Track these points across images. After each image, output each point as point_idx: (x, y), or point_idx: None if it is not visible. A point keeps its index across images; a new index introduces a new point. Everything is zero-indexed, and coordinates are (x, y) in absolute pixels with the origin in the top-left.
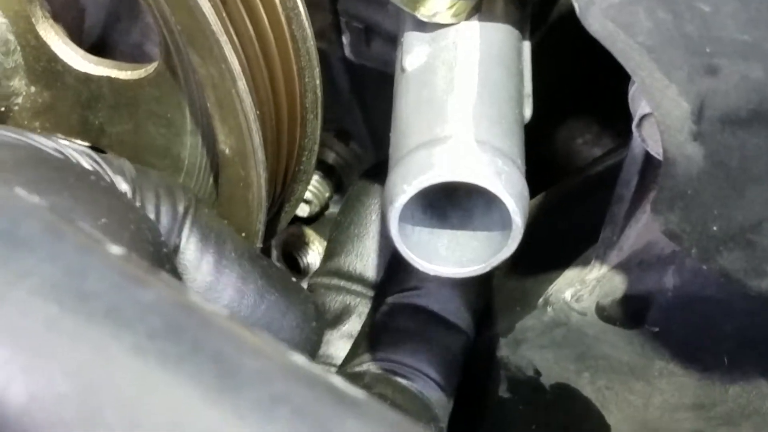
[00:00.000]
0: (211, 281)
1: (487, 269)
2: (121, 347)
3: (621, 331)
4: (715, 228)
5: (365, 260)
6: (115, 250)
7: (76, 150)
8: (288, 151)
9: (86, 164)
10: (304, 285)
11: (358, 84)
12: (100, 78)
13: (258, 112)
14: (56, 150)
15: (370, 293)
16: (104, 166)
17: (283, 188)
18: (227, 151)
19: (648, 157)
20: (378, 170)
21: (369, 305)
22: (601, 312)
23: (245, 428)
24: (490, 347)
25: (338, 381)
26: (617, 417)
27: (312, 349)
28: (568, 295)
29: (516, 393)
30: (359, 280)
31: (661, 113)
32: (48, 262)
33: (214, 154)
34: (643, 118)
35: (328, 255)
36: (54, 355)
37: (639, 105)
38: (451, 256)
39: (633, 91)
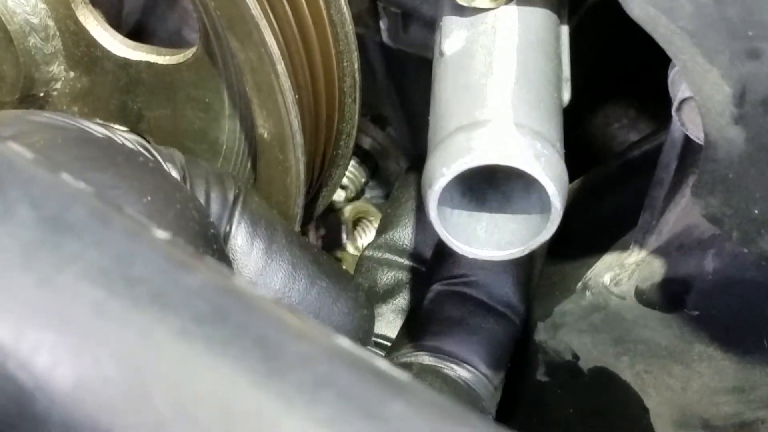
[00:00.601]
0: (263, 267)
1: (526, 252)
2: (167, 331)
3: (660, 315)
4: (756, 211)
5: (420, 235)
6: (161, 234)
7: (125, 135)
8: (326, 135)
9: (133, 146)
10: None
11: (395, 69)
12: (138, 63)
13: (296, 96)
14: (104, 134)
15: (423, 268)
16: (154, 152)
17: (320, 172)
18: (266, 135)
19: (687, 142)
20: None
21: (420, 281)
22: (640, 296)
23: (291, 411)
24: (529, 331)
25: (383, 364)
26: (656, 401)
27: (364, 336)
28: (607, 279)
29: (554, 377)
30: (413, 255)
31: (703, 97)
32: (94, 248)
33: (253, 138)
34: (683, 102)
35: (382, 228)
36: (101, 339)
37: (679, 89)
38: (489, 238)
39: (673, 74)
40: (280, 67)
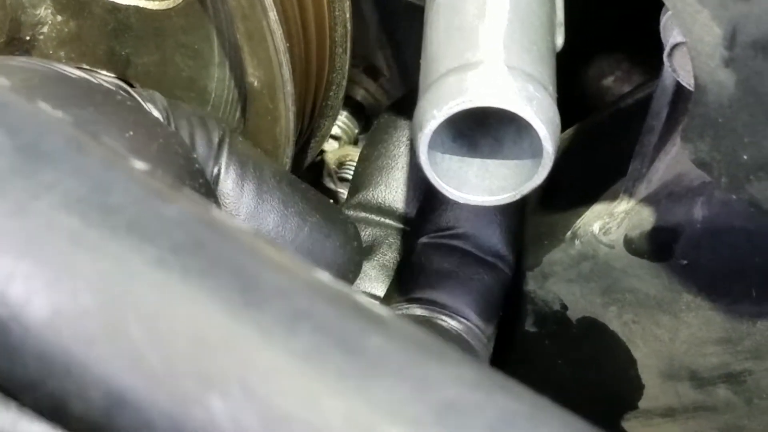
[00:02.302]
0: (254, 208)
1: (517, 197)
2: (144, 261)
3: (649, 264)
4: (745, 156)
5: (394, 192)
6: (139, 165)
7: (104, 79)
8: (316, 84)
9: (112, 87)
10: None
11: (387, 19)
12: (127, 7)
13: (288, 45)
14: (82, 76)
15: (400, 226)
16: (133, 93)
17: (310, 122)
18: (256, 83)
19: (679, 88)
20: (405, 102)
21: (399, 237)
22: (629, 245)
23: (267, 343)
24: (517, 281)
25: (363, 298)
26: (643, 351)
27: (355, 268)
28: (596, 228)
29: (542, 327)
30: (388, 212)
31: (693, 39)
32: (71, 176)
33: (242, 86)
34: (674, 47)
35: (355, 188)
36: (77, 268)
37: (671, 34)
38: (480, 183)
39: (665, 19)
40: (272, 14)
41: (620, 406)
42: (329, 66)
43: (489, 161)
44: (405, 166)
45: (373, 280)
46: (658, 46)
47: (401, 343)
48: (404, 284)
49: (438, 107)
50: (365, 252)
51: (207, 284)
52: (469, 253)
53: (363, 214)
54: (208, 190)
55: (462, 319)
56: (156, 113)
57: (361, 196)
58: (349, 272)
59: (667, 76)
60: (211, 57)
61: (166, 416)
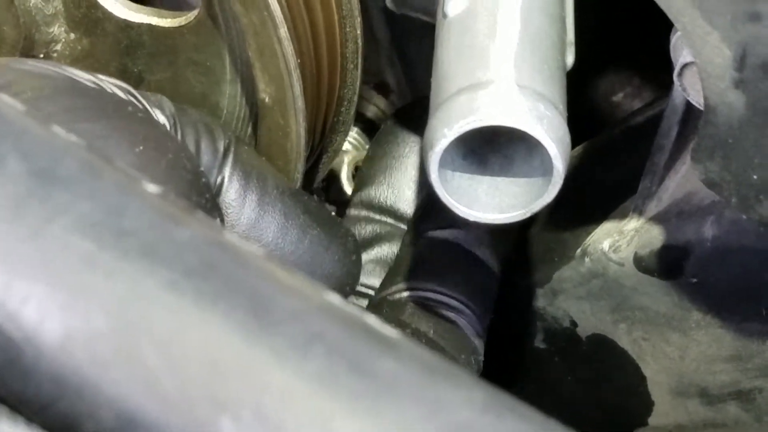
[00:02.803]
0: (255, 219)
1: (528, 215)
2: (158, 284)
3: (658, 282)
4: (755, 177)
5: (396, 192)
6: (152, 188)
7: (113, 83)
8: (327, 100)
9: (123, 96)
10: None
11: (398, 36)
12: (140, 25)
13: (299, 61)
14: (93, 82)
15: (401, 225)
16: (141, 99)
17: (321, 138)
18: (267, 99)
19: (689, 107)
20: (409, 109)
21: (398, 235)
22: (639, 263)
23: (281, 366)
24: (527, 297)
25: (373, 321)
26: (653, 368)
27: (353, 281)
28: (606, 245)
29: (552, 344)
30: (390, 211)
31: (703, 60)
32: (85, 200)
33: (253, 102)
34: (684, 67)
35: (358, 187)
36: (90, 291)
37: (681, 54)
38: (491, 201)
39: (675, 39)
40: (283, 31)
41: (630, 423)
42: (340, 82)
43: (499, 179)
44: (408, 167)
45: (370, 274)
46: (669, 61)
47: (412, 365)
48: (404, 271)
49: (449, 126)
50: (365, 246)
51: (220, 307)
52: (468, 250)
53: (364, 212)
54: (213, 204)
55: (461, 309)
56: (163, 119)
57: (363, 194)
58: (347, 285)
59: (677, 95)
60: (223, 74)
61: None
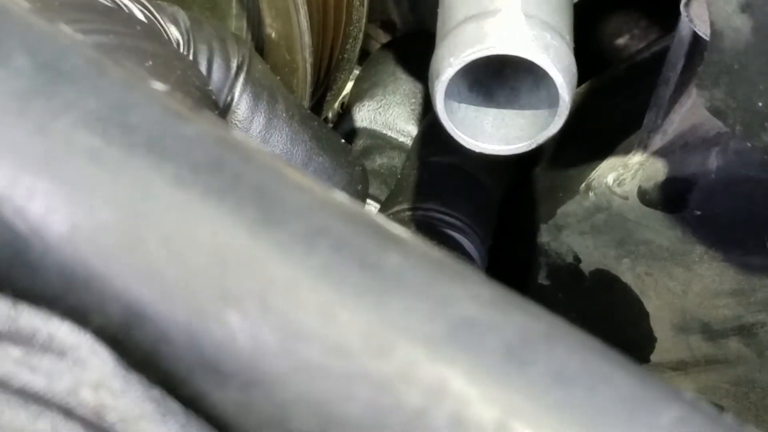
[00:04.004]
0: (261, 140)
1: (533, 146)
2: (163, 179)
3: (662, 215)
4: (760, 104)
5: (385, 106)
6: (159, 86)
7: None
8: (333, 37)
9: (137, 11)
10: None
11: None
12: None
13: None
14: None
15: (390, 134)
16: (156, 14)
17: (326, 75)
18: (273, 34)
19: (695, 39)
20: (398, 42)
21: (392, 147)
22: (643, 196)
23: (285, 259)
24: (531, 233)
25: (380, 218)
26: (656, 304)
27: None
28: (610, 179)
29: (556, 280)
30: (383, 123)
31: None
32: (91, 96)
33: (260, 37)
34: None
35: (350, 104)
36: (95, 185)
37: None
38: (496, 133)
39: None
40: None
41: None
42: (346, 19)
43: (505, 111)
44: (400, 84)
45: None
46: (676, 3)
47: (419, 261)
48: (407, 194)
49: (455, 55)
50: (357, 157)
51: (225, 202)
52: (470, 174)
53: (357, 125)
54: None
55: (464, 229)
56: (176, 35)
57: (355, 109)
58: None
59: (684, 27)
60: (229, 8)
61: (183, 331)
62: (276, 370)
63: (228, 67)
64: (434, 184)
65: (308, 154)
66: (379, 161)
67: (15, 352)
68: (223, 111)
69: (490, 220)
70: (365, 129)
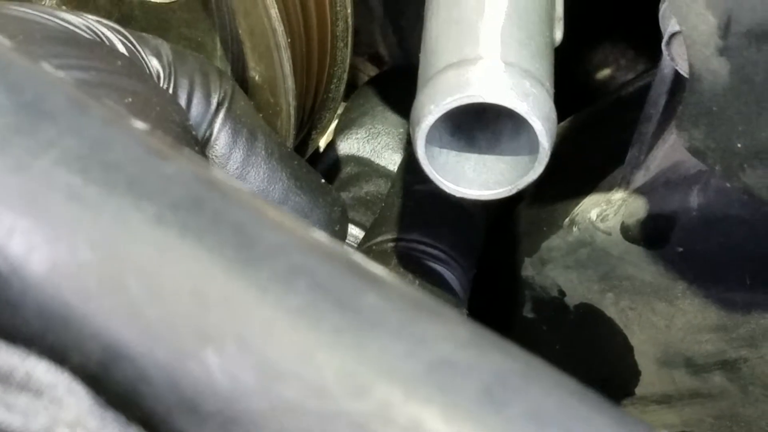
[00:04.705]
0: (238, 177)
1: (513, 192)
2: (143, 218)
3: (645, 251)
4: (739, 145)
5: (373, 136)
6: (139, 125)
7: (110, 29)
8: (317, 79)
9: (120, 45)
10: None
11: (392, 7)
12: (131, 0)
13: (289, 40)
14: (88, 29)
15: (377, 162)
16: (138, 47)
17: (311, 115)
18: (257, 77)
19: (677, 77)
20: (384, 75)
21: (377, 175)
22: (626, 232)
23: (263, 299)
24: (515, 267)
25: (359, 257)
26: (640, 338)
27: None
28: (593, 214)
29: (540, 313)
30: (369, 151)
31: (688, 28)
32: (71, 134)
33: (244, 80)
34: (672, 36)
35: (336, 133)
36: (76, 224)
37: (669, 23)
38: (477, 178)
39: (663, 8)
40: (273, 11)
41: (617, 393)
42: (330, 60)
43: (486, 156)
44: (386, 116)
45: (349, 209)
46: (660, 36)
47: (396, 301)
48: (390, 224)
49: (435, 102)
50: (343, 186)
51: (205, 241)
52: (454, 202)
53: (343, 153)
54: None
55: (446, 260)
56: (157, 67)
57: (342, 138)
58: None
59: (666, 65)
60: (214, 50)
61: (162, 370)
62: (254, 410)
63: (208, 102)
64: (418, 213)
65: (285, 193)
66: (365, 188)
67: None
68: (202, 145)
69: (473, 248)
70: (353, 156)
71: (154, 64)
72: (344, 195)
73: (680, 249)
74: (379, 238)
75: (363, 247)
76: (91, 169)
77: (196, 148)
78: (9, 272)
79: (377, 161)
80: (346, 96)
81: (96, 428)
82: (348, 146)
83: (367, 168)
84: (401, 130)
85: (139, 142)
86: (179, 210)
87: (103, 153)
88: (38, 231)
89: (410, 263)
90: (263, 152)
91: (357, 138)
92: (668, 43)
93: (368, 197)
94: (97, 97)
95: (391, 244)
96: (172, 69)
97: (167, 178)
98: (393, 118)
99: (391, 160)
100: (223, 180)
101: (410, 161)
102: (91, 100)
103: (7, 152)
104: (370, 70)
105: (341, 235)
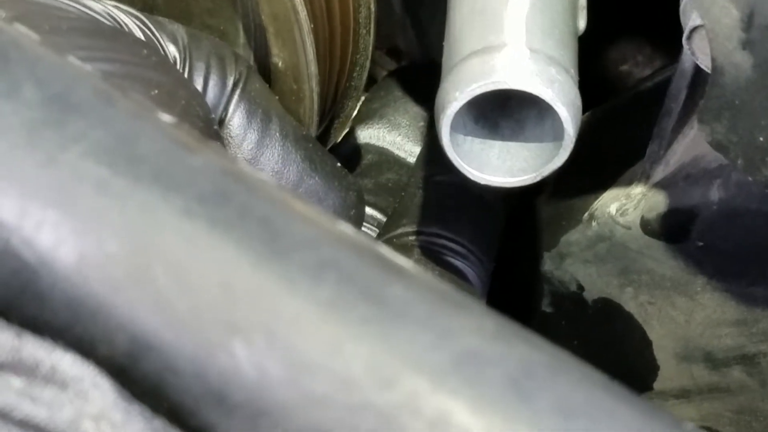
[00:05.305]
0: (251, 159)
1: (538, 179)
2: (171, 210)
3: (665, 246)
4: (761, 138)
5: (393, 124)
6: (166, 117)
7: (127, 15)
8: (340, 66)
9: (138, 32)
10: None
11: (411, 1)
12: None
13: (312, 26)
14: (108, 15)
15: (396, 151)
16: (156, 32)
17: (333, 104)
18: (280, 64)
19: (698, 71)
20: (404, 70)
21: (397, 162)
22: (646, 226)
23: (292, 291)
24: (534, 261)
25: (385, 250)
26: (659, 332)
27: None
28: (613, 209)
29: (559, 308)
30: (389, 141)
31: (711, 21)
32: (99, 127)
33: (266, 67)
34: (693, 30)
35: (356, 124)
36: (104, 216)
37: (690, 17)
38: (502, 165)
39: (684, 2)
40: None
41: (635, 388)
42: (353, 47)
43: (510, 143)
44: (406, 109)
45: (370, 193)
46: (679, 31)
47: (423, 293)
48: (411, 216)
49: (460, 89)
50: (364, 173)
51: (233, 234)
52: (475, 194)
53: (362, 142)
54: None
55: (466, 255)
56: (174, 52)
57: (362, 128)
58: None
59: (687, 59)
60: (237, 38)
61: (190, 362)
62: (282, 401)
63: (224, 84)
64: (438, 205)
65: (300, 175)
66: (387, 175)
67: (17, 382)
68: (217, 127)
69: (493, 242)
70: (373, 146)
71: (170, 49)
72: (365, 181)
73: (700, 243)
74: (400, 230)
75: (383, 238)
76: (118, 161)
77: (218, 142)
78: (38, 264)
79: (397, 152)
80: (365, 89)
81: (121, 421)
82: (368, 135)
83: (388, 156)
84: (422, 123)
85: (166, 135)
86: (206, 202)
87: (131, 145)
88: (66, 223)
89: (431, 257)
90: (278, 134)
91: (378, 128)
92: (689, 37)
93: (390, 184)
94: (124, 89)
95: (411, 238)
96: (188, 53)
97: (194, 171)
98: (414, 110)
99: (412, 152)
100: (250, 173)
101: (430, 152)
102: (118, 92)
103: (35, 145)
104: (389, 64)
105: (357, 219)
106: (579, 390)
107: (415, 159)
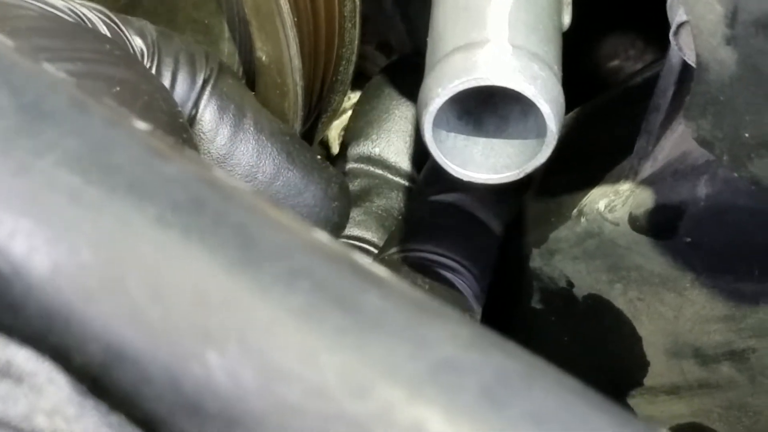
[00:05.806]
0: (225, 153)
1: (521, 176)
2: (144, 219)
3: (653, 242)
4: (746, 134)
5: (384, 143)
6: (141, 125)
7: (91, 10)
8: (325, 60)
9: (103, 27)
10: None
11: None
12: None
13: (296, 19)
14: (71, 11)
15: (391, 176)
16: (122, 27)
17: (319, 98)
18: (264, 58)
19: (686, 67)
20: (397, 65)
21: (390, 187)
22: (634, 222)
23: (265, 299)
24: (523, 258)
25: (360, 258)
26: (648, 329)
27: (332, 229)
28: (601, 205)
29: (548, 304)
30: (378, 162)
31: (696, 17)
32: (73, 136)
33: (251, 61)
34: (680, 26)
35: (347, 140)
36: (77, 225)
37: (677, 13)
38: (485, 162)
39: None
40: None
41: (625, 384)
42: (339, 41)
43: (494, 140)
44: (397, 118)
45: (360, 225)
46: (668, 26)
47: (398, 302)
48: (403, 236)
49: (443, 85)
50: (355, 200)
51: (207, 242)
52: (470, 212)
53: (354, 165)
54: (190, 145)
55: (458, 269)
56: (141, 46)
57: (352, 147)
58: (326, 230)
59: (674, 55)
60: (221, 32)
61: (163, 371)
62: (255, 410)
63: (193, 80)
64: (432, 224)
65: (277, 168)
66: (377, 202)
67: None
68: (189, 124)
69: (488, 258)
70: (361, 169)
71: (138, 43)
72: (356, 210)
73: (688, 239)
74: (393, 249)
75: (375, 258)
76: (92, 170)
77: (184, 135)
78: (11, 273)
79: (387, 173)
80: (354, 86)
81: (75, 416)
82: (359, 154)
83: (377, 180)
84: (409, 138)
85: (140, 143)
86: (180, 211)
87: (105, 154)
88: (40, 232)
89: (420, 271)
90: (252, 128)
91: (367, 147)
92: (676, 33)
93: (380, 211)
94: (99, 96)
95: (401, 255)
96: (157, 48)
97: (168, 179)
98: (401, 125)
99: (401, 170)
100: (225, 180)
101: (427, 174)
102: (92, 100)
103: (8, 154)
104: (379, 59)
105: (341, 211)
106: (552, 397)
107: (405, 176)
